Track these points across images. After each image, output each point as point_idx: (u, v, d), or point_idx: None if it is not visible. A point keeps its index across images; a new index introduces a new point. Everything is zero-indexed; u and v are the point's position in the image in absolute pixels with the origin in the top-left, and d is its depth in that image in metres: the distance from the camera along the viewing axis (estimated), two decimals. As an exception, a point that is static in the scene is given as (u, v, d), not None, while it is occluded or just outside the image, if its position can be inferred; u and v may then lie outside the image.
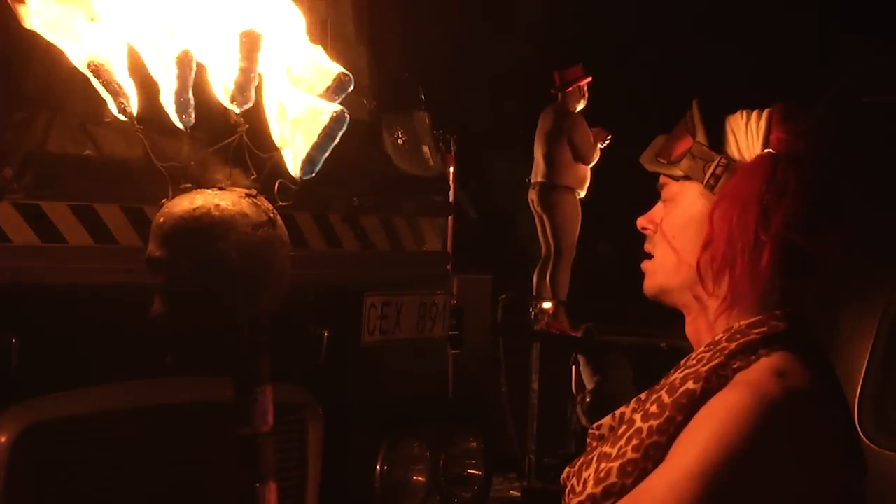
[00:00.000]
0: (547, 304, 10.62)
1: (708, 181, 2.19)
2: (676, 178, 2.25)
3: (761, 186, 2.12)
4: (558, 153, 10.85)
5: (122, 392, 4.40)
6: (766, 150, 2.16)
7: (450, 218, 5.98)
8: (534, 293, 10.98)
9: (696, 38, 12.90)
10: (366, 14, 5.63)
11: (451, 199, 6.03)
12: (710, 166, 2.19)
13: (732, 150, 2.19)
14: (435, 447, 5.44)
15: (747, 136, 2.19)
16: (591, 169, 11.00)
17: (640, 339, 9.69)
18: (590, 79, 10.99)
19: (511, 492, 9.25)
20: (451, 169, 6.12)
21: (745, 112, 2.23)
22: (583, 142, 10.86)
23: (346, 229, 5.20)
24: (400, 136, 5.75)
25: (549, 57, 11.60)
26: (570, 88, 10.89)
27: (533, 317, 10.54)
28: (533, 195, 11.03)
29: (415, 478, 5.38)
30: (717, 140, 2.21)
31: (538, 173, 10.98)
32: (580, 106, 10.97)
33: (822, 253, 2.14)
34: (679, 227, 2.24)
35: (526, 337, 9.99)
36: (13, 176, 4.17)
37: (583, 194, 10.99)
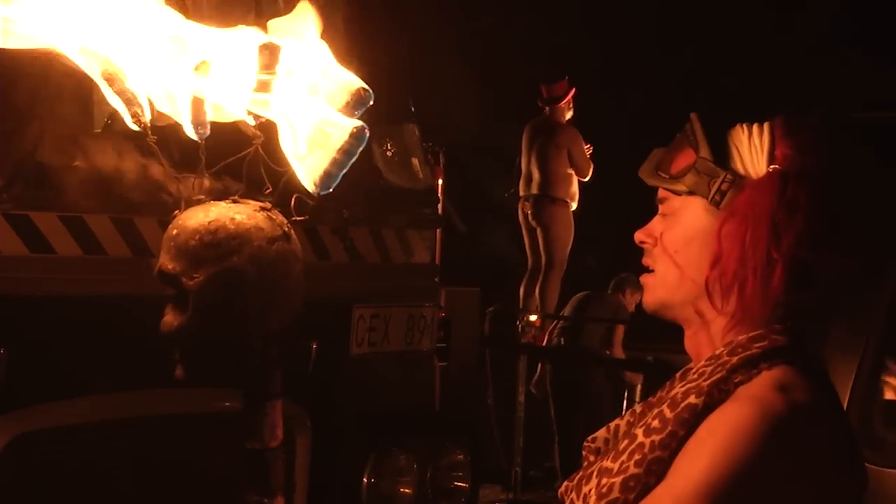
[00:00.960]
0: (533, 317, 10.62)
1: (713, 197, 2.17)
2: (679, 193, 2.23)
3: (773, 204, 2.11)
4: (556, 166, 10.88)
5: (112, 403, 4.39)
6: (771, 166, 2.16)
7: (438, 230, 5.98)
8: (521, 306, 10.99)
9: (684, 48, 12.91)
10: (356, 27, 5.64)
11: (439, 211, 6.03)
12: (715, 182, 2.17)
13: (737, 166, 2.18)
14: (422, 459, 5.44)
15: (751, 151, 2.18)
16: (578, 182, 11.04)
17: (627, 352, 9.69)
18: (574, 90, 11.03)
19: (497, 504, 9.25)
20: (440, 181, 6.12)
21: (745, 126, 2.21)
22: (582, 156, 10.92)
23: (335, 241, 5.20)
24: (389, 148, 5.76)
25: (536, 69, 11.62)
26: (562, 103, 10.93)
27: (520, 329, 10.54)
28: (528, 208, 11.03)
29: (402, 490, 5.37)
30: (721, 155, 2.19)
31: (533, 186, 10.97)
32: (568, 116, 11.01)
33: (826, 268, 2.14)
34: (682, 243, 2.23)
35: (513, 350, 9.98)
36: (3, 186, 4.17)
37: (574, 207, 11.02)
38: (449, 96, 10.58)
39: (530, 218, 11.02)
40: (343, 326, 5.27)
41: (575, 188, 10.99)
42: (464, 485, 5.63)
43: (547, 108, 11.03)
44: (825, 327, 2.25)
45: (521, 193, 11.13)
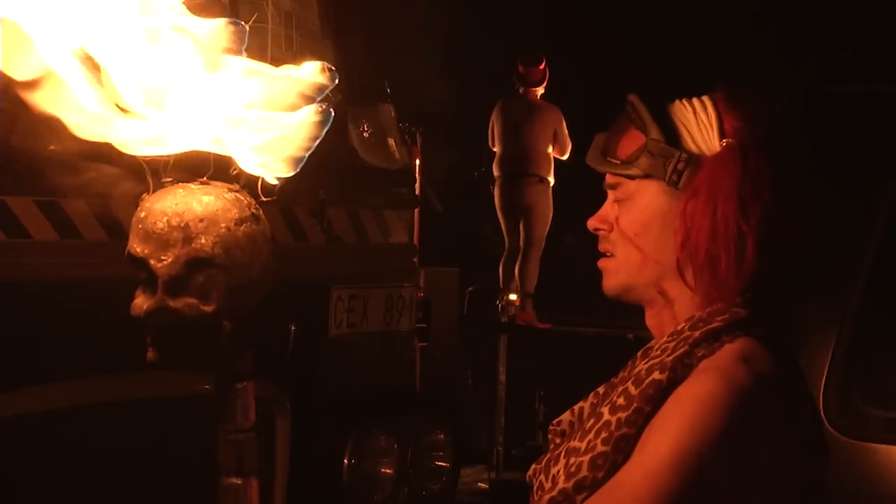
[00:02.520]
0: (513, 297, 10.63)
1: (670, 177, 2.16)
2: (632, 178, 2.22)
3: (737, 178, 2.11)
4: (541, 146, 10.88)
5: (89, 387, 4.38)
6: (724, 140, 2.16)
7: (416, 211, 5.98)
8: (500, 285, 11.00)
9: (636, 28, 12.92)
10: (331, 7, 5.63)
11: (417, 191, 6.03)
12: (670, 162, 2.16)
13: (689, 144, 2.17)
14: (403, 440, 5.44)
15: (699, 127, 2.17)
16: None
17: (607, 330, 9.70)
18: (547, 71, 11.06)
19: (479, 484, 9.26)
20: (418, 162, 6.12)
21: (686, 102, 2.21)
22: (566, 136, 10.93)
23: (312, 223, 5.19)
24: (366, 128, 5.75)
25: (508, 48, 11.60)
26: (538, 87, 10.94)
27: (500, 309, 10.55)
28: (510, 188, 11.00)
29: (383, 470, 5.38)
30: (671, 134, 2.18)
31: (516, 165, 10.94)
32: (540, 94, 11.02)
33: (788, 237, 2.15)
34: (641, 225, 2.21)
35: (493, 329, 9.99)
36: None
37: (552, 184, 11.05)
38: (424, 74, 10.56)
39: (515, 198, 11.00)
40: (321, 308, 5.26)
41: (553, 167, 11.02)
42: (445, 464, 5.64)
43: (521, 88, 11.01)
44: (789, 296, 2.25)
45: (498, 173, 11.10)
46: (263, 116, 2.03)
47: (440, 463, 5.63)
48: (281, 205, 4.99)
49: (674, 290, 2.21)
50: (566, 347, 10.06)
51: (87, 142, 4.23)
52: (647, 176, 2.20)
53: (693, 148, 2.17)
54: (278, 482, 4.97)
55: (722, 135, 2.15)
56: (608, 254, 2.29)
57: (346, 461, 5.20)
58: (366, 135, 5.75)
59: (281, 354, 4.93)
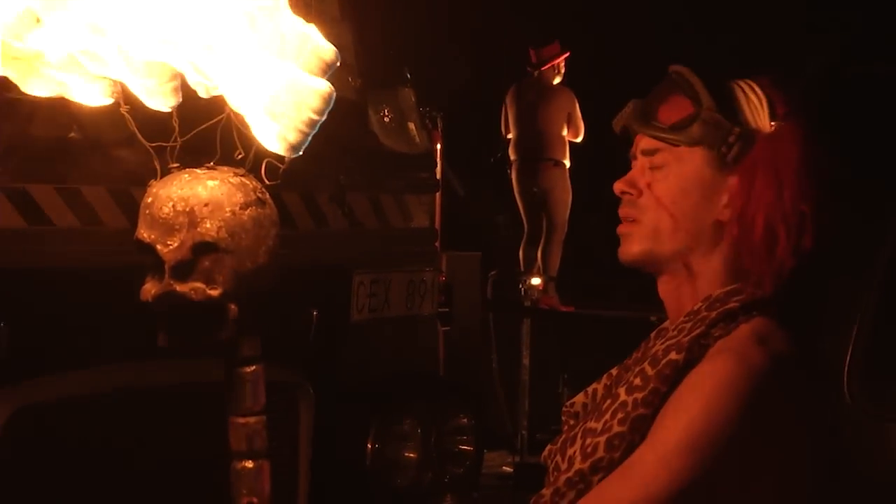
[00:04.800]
0: (536, 280, 10.63)
1: (721, 149, 2.16)
2: (676, 144, 2.20)
3: (801, 159, 2.13)
4: (557, 129, 10.91)
5: (111, 374, 4.39)
6: (773, 122, 2.16)
7: (437, 195, 5.98)
8: (522, 269, 11.00)
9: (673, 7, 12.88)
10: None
11: (437, 175, 6.03)
12: (725, 134, 2.16)
13: (743, 120, 2.18)
14: (426, 424, 5.44)
15: (751, 107, 2.18)
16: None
17: (630, 313, 9.69)
18: (567, 54, 11.01)
19: (503, 467, 9.25)
20: (438, 146, 6.11)
21: (739, 82, 2.22)
22: (579, 118, 10.93)
23: (333, 208, 5.20)
24: (386, 113, 5.74)
25: (530, 30, 11.59)
26: (546, 67, 10.92)
27: (523, 293, 10.54)
28: (527, 172, 11.01)
29: (406, 454, 5.38)
30: (727, 107, 2.18)
31: (532, 150, 10.95)
32: (556, 81, 11.00)
33: (825, 224, 2.16)
34: (679, 194, 2.20)
35: (516, 313, 9.99)
36: (-1, 160, 4.17)
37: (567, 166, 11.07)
38: (445, 57, 10.54)
39: (532, 182, 11.00)
40: (343, 293, 5.27)
41: (568, 149, 11.03)
42: (469, 448, 5.64)
43: (536, 73, 11.02)
44: (820, 282, 2.24)
45: (514, 158, 11.12)
46: (282, 69, 2.02)
47: (464, 447, 5.63)
48: (301, 190, 4.99)
49: (700, 264, 2.21)
50: (589, 330, 10.04)
51: (107, 129, 4.22)
52: (694, 144, 2.19)
53: (747, 124, 2.18)
54: (302, 467, 4.97)
55: (773, 117, 2.16)
56: (630, 219, 2.27)
57: (369, 446, 5.21)
58: (386, 119, 5.74)
59: (303, 340, 4.93)
